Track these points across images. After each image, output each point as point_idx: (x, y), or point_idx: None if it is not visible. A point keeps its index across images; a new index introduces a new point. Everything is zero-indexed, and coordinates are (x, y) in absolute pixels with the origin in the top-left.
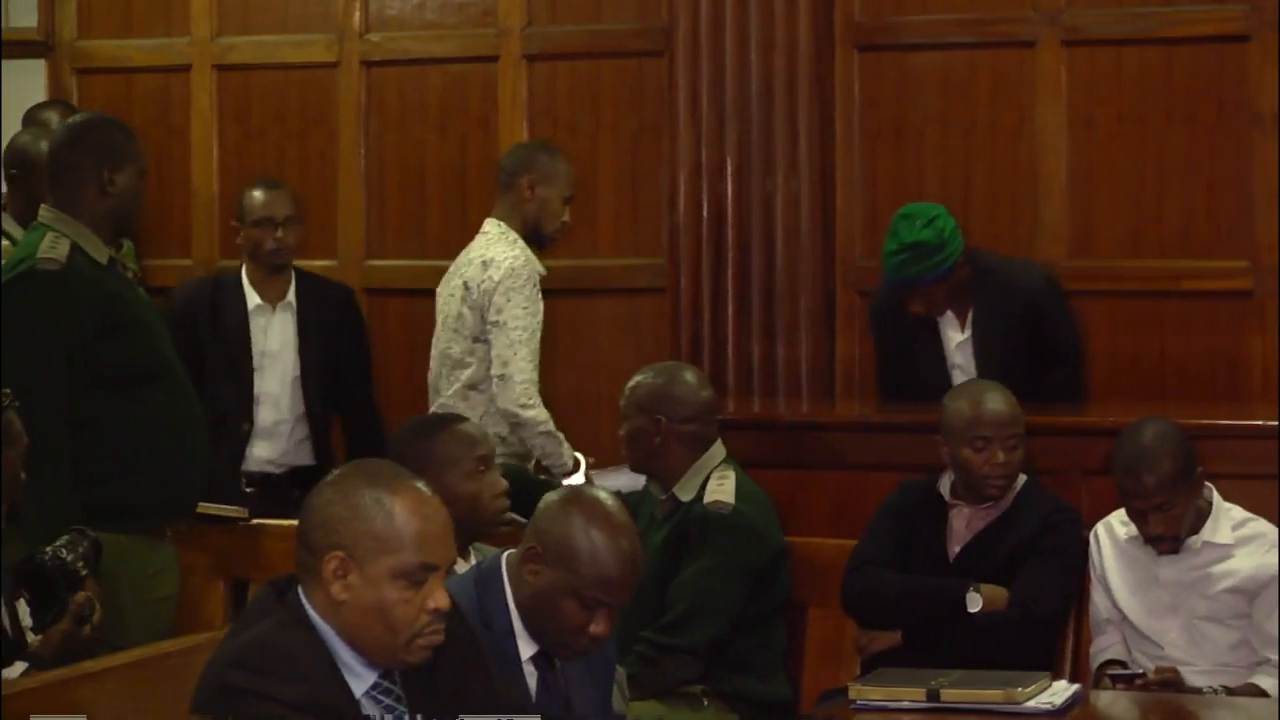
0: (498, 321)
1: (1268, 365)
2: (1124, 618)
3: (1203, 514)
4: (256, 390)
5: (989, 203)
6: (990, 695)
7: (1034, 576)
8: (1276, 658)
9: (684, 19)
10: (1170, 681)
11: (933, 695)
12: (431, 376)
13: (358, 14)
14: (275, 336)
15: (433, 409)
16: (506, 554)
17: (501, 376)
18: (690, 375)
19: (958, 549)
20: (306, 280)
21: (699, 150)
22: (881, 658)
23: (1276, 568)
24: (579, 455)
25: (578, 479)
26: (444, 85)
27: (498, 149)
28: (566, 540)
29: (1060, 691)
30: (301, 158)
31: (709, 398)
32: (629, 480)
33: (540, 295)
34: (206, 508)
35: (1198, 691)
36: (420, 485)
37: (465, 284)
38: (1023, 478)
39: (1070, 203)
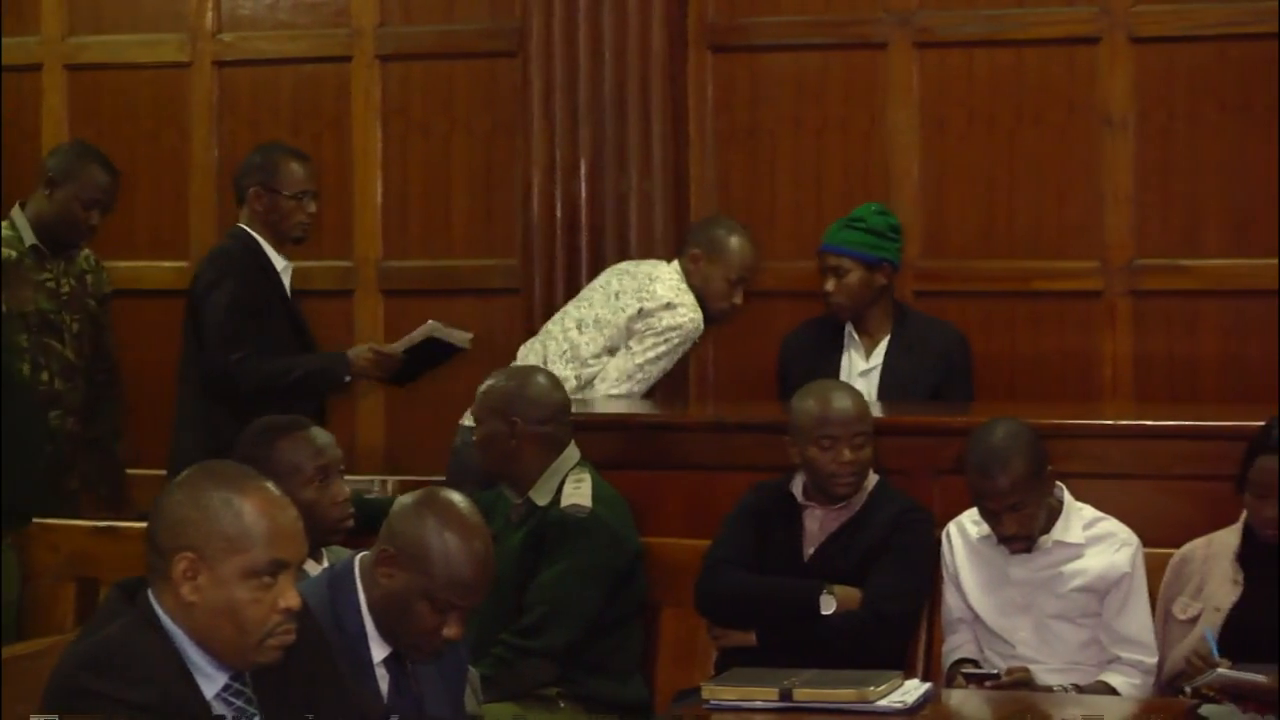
0: (634, 349)
1: (1118, 364)
2: (976, 617)
3: (1054, 513)
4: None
5: (842, 204)
6: (842, 695)
7: (886, 577)
8: (1126, 655)
9: (537, 19)
10: (1022, 681)
11: (785, 695)
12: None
13: (210, 14)
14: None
15: (517, 362)
16: (359, 556)
17: (592, 381)
18: (543, 377)
19: (811, 550)
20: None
21: (553, 150)
22: (736, 657)
23: (1126, 566)
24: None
25: None
26: (297, 85)
27: (351, 149)
28: (420, 543)
29: (912, 690)
30: (154, 157)
31: (562, 399)
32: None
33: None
34: (436, 330)
35: (1049, 690)
36: (269, 485)
37: (641, 310)
38: (874, 478)
39: (922, 203)
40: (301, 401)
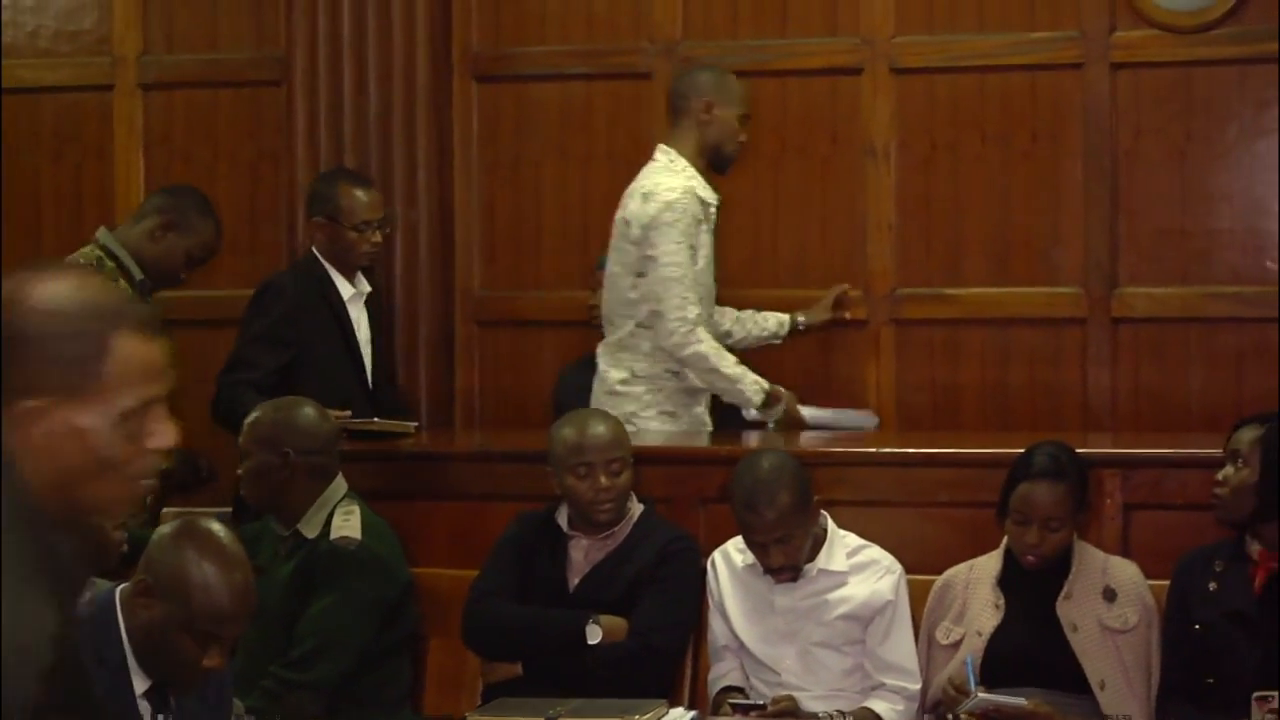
0: (652, 257)
1: (881, 392)
2: (741, 645)
3: (818, 542)
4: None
5: (607, 233)
6: None
7: (653, 607)
8: (890, 682)
9: (301, 48)
10: (787, 710)
11: None
12: (605, 310)
13: None
14: (361, 325)
15: (605, 342)
16: (120, 588)
17: (656, 313)
18: (310, 408)
19: (577, 580)
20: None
21: (305, 183)
22: (503, 687)
23: (889, 594)
24: (776, 389)
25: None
26: (58, 113)
27: (113, 178)
28: (178, 573)
29: (678, 718)
30: None
31: (331, 429)
32: (832, 416)
33: (706, 227)
34: (377, 424)
35: (814, 717)
36: None
37: (625, 219)
38: (640, 507)
39: None
40: None
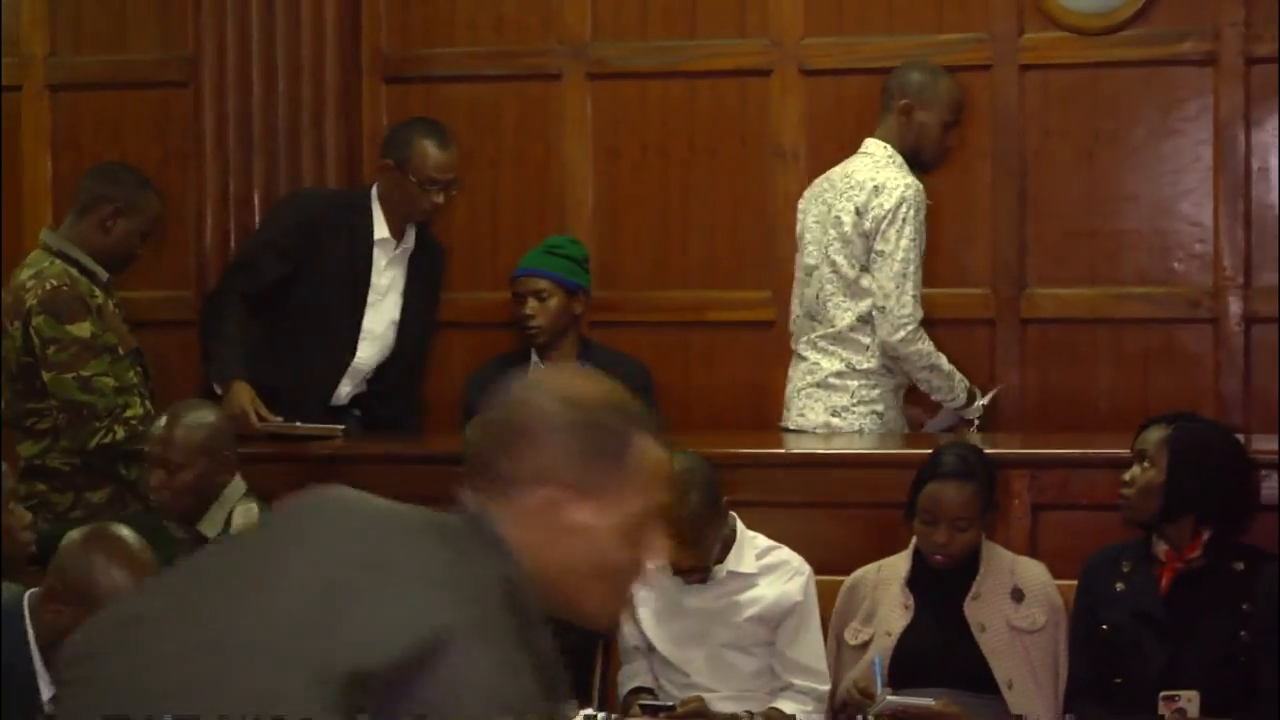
0: (883, 251)
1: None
2: (651, 646)
3: (728, 543)
4: (365, 325)
5: (516, 234)
6: None
7: None
8: (799, 683)
9: (209, 49)
10: (697, 711)
11: None
12: (807, 303)
13: None
14: (387, 274)
15: (814, 335)
16: (30, 593)
17: (882, 309)
18: (217, 408)
19: None
20: (422, 226)
21: (226, 181)
22: None
23: (799, 595)
24: (974, 388)
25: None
26: None
27: (20, 180)
28: (87, 579)
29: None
30: None
31: (233, 427)
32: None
33: (924, 225)
34: (302, 428)
35: (724, 718)
36: None
37: (856, 210)
38: None
39: (596, 234)
40: None
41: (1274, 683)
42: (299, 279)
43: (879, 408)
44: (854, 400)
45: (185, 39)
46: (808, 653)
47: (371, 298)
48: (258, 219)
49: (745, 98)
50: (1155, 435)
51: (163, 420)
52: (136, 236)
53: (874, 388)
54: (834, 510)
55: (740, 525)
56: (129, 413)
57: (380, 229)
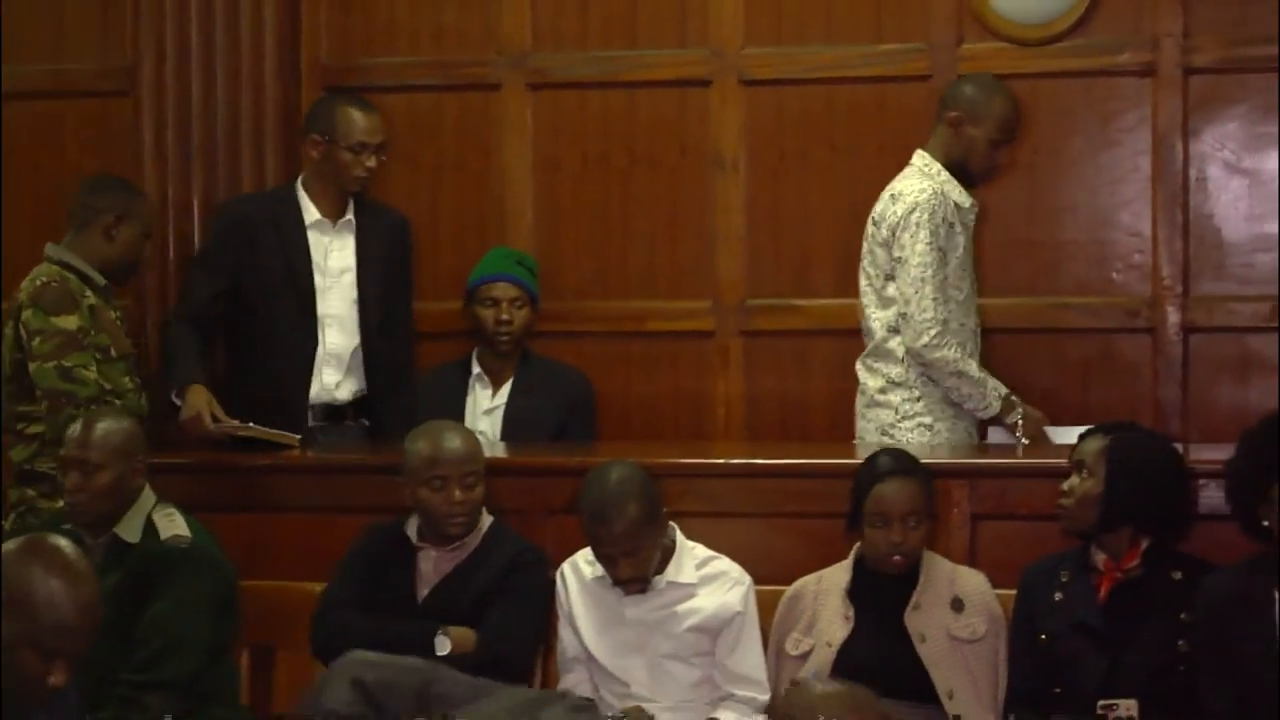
0: (900, 258)
1: (730, 404)
2: (591, 656)
3: (667, 553)
4: (320, 312)
5: (456, 243)
6: None
7: (502, 618)
8: (739, 693)
9: (148, 58)
10: None
11: None
12: (863, 320)
13: None
14: (335, 255)
15: (864, 352)
16: None
17: (904, 315)
18: (128, 419)
19: (426, 591)
20: (362, 200)
21: (166, 189)
22: None
23: (738, 605)
24: (1012, 396)
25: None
26: None
27: None
28: (24, 589)
29: None
30: None
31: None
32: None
33: (960, 230)
34: (256, 430)
35: None
36: None
37: (873, 219)
38: (489, 519)
39: (536, 244)
40: None
41: (1213, 692)
42: (243, 285)
43: (926, 420)
44: (899, 416)
45: (124, 48)
46: (747, 663)
47: (325, 282)
48: (197, 228)
49: (685, 108)
50: (1094, 445)
51: (78, 424)
52: (140, 239)
53: (917, 400)
54: (773, 520)
55: (680, 536)
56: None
57: (310, 213)
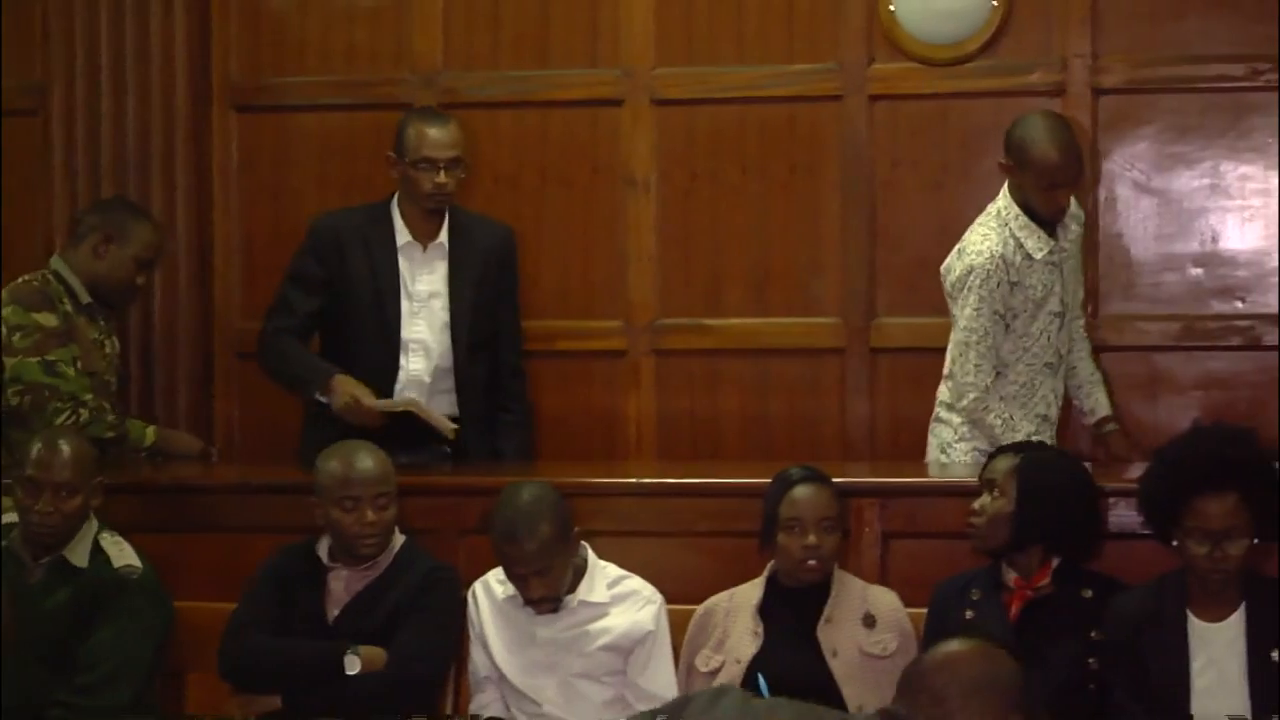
0: (954, 315)
1: (642, 423)
2: (502, 676)
3: (579, 573)
4: (404, 336)
5: None
6: None
7: (412, 637)
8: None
9: (58, 77)
10: None
11: None
12: None
13: None
14: (424, 280)
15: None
16: None
17: (948, 375)
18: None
19: (337, 611)
20: (458, 218)
21: (74, 210)
22: None
23: (650, 624)
24: None
25: None
26: None
27: None
28: None
29: None
30: None
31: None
32: None
33: (1033, 278)
34: (417, 408)
35: None
36: None
37: (944, 268)
38: (401, 538)
39: None
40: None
41: (1123, 709)
42: (334, 302)
43: (982, 444)
44: (956, 436)
45: (33, 66)
46: (658, 681)
47: (412, 307)
48: None
49: (597, 127)
50: (1004, 464)
51: (40, 446)
52: (131, 264)
53: (972, 425)
54: (685, 539)
55: (591, 555)
56: (88, 397)
57: (402, 235)
